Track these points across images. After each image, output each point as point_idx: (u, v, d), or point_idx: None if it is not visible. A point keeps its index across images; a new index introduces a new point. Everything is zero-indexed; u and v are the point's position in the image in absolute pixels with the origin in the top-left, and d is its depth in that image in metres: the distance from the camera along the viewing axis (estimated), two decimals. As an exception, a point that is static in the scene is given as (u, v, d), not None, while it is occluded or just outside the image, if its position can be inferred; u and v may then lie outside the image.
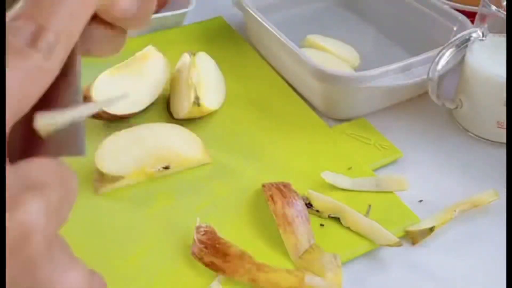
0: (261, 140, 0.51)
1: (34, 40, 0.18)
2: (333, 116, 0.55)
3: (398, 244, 0.40)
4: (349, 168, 0.48)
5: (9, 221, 0.17)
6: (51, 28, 0.19)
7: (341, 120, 0.54)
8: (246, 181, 0.47)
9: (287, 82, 0.59)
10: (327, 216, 0.43)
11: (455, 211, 0.44)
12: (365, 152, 0.50)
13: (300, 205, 0.42)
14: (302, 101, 0.56)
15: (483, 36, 0.49)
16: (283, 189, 0.43)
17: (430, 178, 0.48)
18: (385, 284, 0.40)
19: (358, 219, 0.42)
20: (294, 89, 0.58)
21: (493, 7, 0.48)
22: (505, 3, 0.48)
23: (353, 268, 0.41)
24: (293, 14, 0.70)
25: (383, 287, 0.40)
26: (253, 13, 0.60)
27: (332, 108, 0.55)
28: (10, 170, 0.17)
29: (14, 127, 0.19)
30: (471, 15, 0.57)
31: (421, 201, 0.46)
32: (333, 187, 0.46)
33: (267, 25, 0.58)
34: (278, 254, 0.41)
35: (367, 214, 0.43)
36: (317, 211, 0.43)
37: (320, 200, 0.43)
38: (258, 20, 0.59)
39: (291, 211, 0.41)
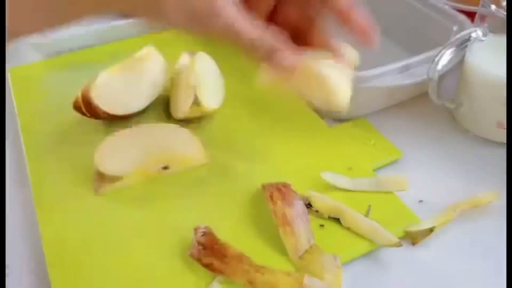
0: (260, 140, 0.51)
1: None
2: (333, 116, 0.55)
3: (398, 245, 0.40)
4: (349, 168, 0.48)
5: None
6: None
7: (341, 120, 0.54)
8: (246, 181, 0.47)
9: (287, 82, 0.59)
10: (327, 217, 0.43)
11: (455, 211, 0.44)
12: (365, 152, 0.50)
13: (300, 205, 0.42)
14: (301, 101, 0.56)
15: (483, 36, 0.49)
16: (282, 190, 0.43)
17: (430, 178, 0.48)
18: (385, 285, 0.40)
19: (358, 220, 0.42)
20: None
21: (493, 7, 0.48)
22: (505, 3, 0.48)
23: (353, 268, 0.41)
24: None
25: (383, 288, 0.40)
26: (253, 13, 0.60)
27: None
28: None
29: None
30: (471, 15, 0.57)
31: (421, 201, 0.46)
32: (333, 187, 0.46)
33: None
34: (278, 254, 0.41)
35: (367, 214, 0.43)
36: (317, 211, 0.43)
37: (320, 200, 0.43)
38: (258, 20, 0.59)
39: (291, 212, 0.41)
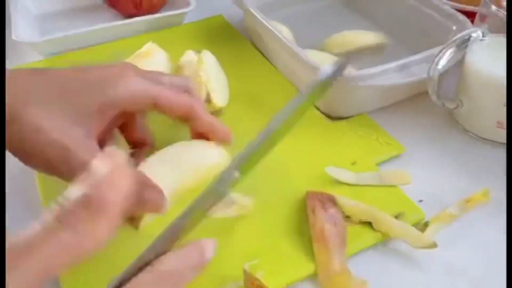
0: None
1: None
2: (332, 115, 0.55)
3: (433, 246, 0.40)
4: (353, 163, 0.48)
5: None
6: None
7: (340, 119, 0.55)
8: (251, 176, 0.47)
9: (287, 80, 0.59)
10: (358, 221, 0.42)
11: (455, 210, 0.44)
12: (368, 147, 0.50)
13: (340, 224, 0.41)
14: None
15: (483, 36, 0.49)
16: (326, 203, 0.42)
17: (429, 178, 0.48)
18: (383, 284, 0.40)
19: (390, 223, 0.42)
20: (294, 87, 0.58)
21: (493, 7, 0.48)
22: (505, 3, 0.48)
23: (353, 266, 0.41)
24: (293, 13, 0.70)
25: (382, 286, 0.40)
26: (253, 12, 0.60)
27: (331, 107, 0.55)
28: None
29: None
30: (471, 15, 0.57)
31: (421, 201, 0.46)
32: (338, 182, 0.46)
33: (267, 24, 0.58)
34: (303, 260, 0.40)
35: (398, 217, 0.43)
36: (348, 217, 0.43)
37: (352, 206, 0.43)
38: (258, 19, 0.59)
39: (330, 229, 0.41)
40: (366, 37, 0.62)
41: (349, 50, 0.61)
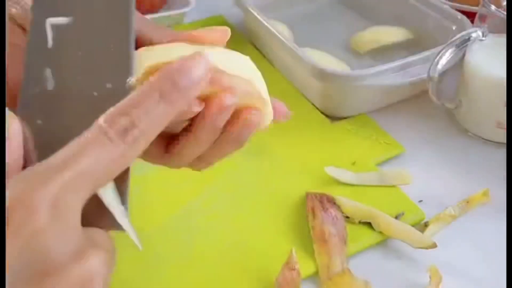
0: (264, 136, 0.51)
1: (124, 132, 0.23)
2: (332, 115, 0.55)
3: (434, 246, 0.40)
4: (353, 163, 0.48)
5: (78, 268, 0.21)
6: (139, 126, 0.23)
7: (340, 119, 0.55)
8: (252, 176, 0.47)
9: (286, 79, 0.59)
10: (357, 222, 0.43)
11: (454, 211, 0.44)
12: (367, 147, 0.50)
13: (340, 224, 0.41)
14: (303, 98, 0.56)
15: (483, 36, 0.49)
16: (325, 203, 0.42)
17: (429, 178, 0.48)
18: (383, 284, 0.40)
19: (391, 223, 0.42)
20: (294, 87, 0.58)
21: (493, 7, 0.48)
22: (505, 3, 0.49)
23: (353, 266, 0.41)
24: (293, 13, 0.70)
25: (382, 286, 0.40)
26: (253, 12, 0.60)
27: (331, 107, 0.55)
28: (82, 231, 0.22)
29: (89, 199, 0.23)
30: (471, 15, 0.57)
31: (421, 201, 0.46)
32: (337, 182, 0.46)
33: (267, 24, 0.58)
34: (303, 260, 0.40)
35: (398, 218, 0.43)
36: (347, 217, 0.43)
37: (351, 206, 0.43)
38: (258, 19, 0.59)
39: (329, 229, 0.41)
40: (394, 33, 0.62)
41: (378, 47, 0.61)
